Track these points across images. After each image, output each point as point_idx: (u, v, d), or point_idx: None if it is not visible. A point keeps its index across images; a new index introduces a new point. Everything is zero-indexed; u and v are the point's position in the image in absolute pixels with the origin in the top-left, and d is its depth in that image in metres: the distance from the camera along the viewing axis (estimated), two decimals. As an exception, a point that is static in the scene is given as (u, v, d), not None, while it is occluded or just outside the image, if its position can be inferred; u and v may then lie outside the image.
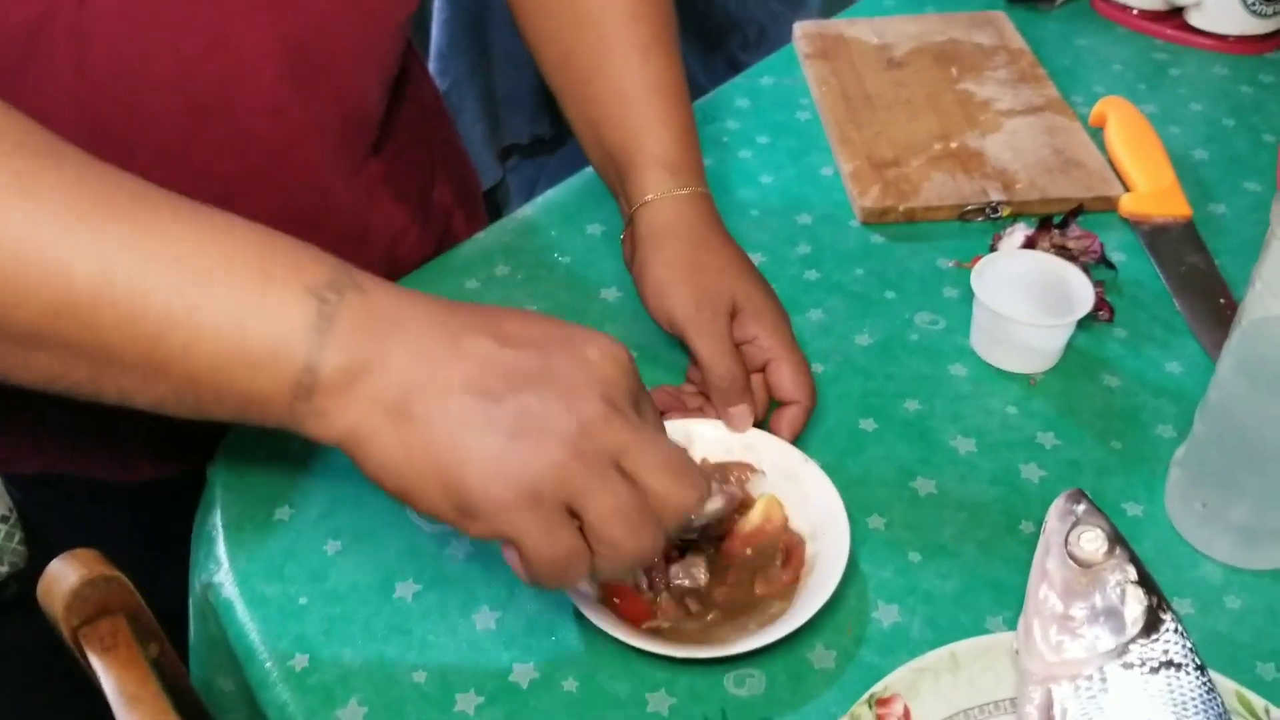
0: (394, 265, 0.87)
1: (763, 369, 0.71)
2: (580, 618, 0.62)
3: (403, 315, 0.50)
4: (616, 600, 0.62)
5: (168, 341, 0.48)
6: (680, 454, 0.53)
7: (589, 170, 0.96)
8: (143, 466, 0.83)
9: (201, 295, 0.47)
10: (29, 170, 0.47)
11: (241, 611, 0.65)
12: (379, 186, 0.83)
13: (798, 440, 0.70)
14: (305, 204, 0.77)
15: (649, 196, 0.73)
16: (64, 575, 0.62)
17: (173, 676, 0.68)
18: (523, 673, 0.61)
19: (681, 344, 0.71)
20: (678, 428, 0.69)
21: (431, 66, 1.62)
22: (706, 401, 0.71)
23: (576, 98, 0.78)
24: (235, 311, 0.48)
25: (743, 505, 0.66)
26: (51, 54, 0.63)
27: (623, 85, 0.76)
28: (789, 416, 0.70)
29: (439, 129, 0.94)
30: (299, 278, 0.49)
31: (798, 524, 0.66)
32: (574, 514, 0.50)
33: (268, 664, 0.62)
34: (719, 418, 0.70)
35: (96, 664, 0.61)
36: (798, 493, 0.67)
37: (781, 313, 0.72)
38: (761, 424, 0.71)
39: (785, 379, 0.70)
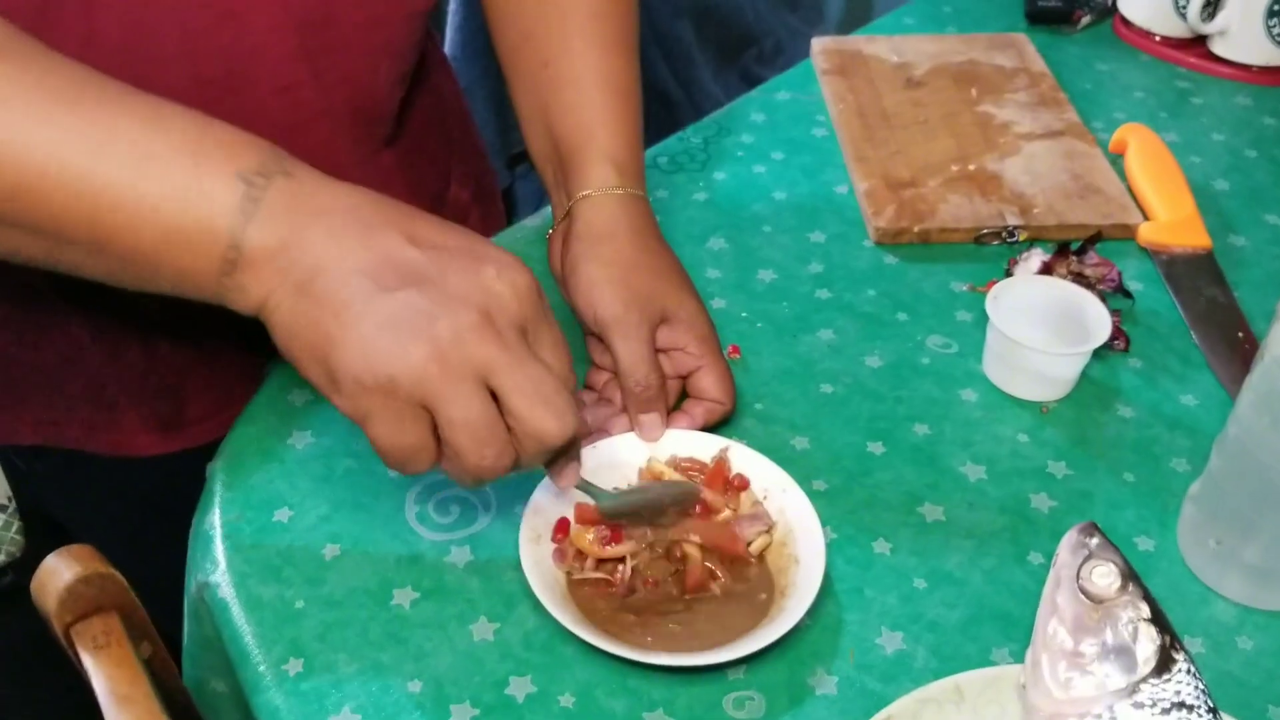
0: None
1: (687, 376, 0.71)
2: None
3: (328, 203, 0.54)
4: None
5: (110, 220, 0.52)
6: (552, 383, 0.54)
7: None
8: (142, 442, 0.82)
9: (140, 179, 0.52)
10: None
11: (237, 613, 0.64)
12: (392, 178, 0.83)
13: (813, 457, 0.69)
14: None
15: (589, 191, 0.73)
16: (58, 571, 0.61)
17: (165, 677, 0.67)
18: (519, 686, 0.60)
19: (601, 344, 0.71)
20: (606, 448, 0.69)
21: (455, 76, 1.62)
22: (612, 413, 0.71)
23: (530, 81, 0.78)
24: (170, 193, 0.52)
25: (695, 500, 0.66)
26: (59, 25, 0.63)
27: (580, 75, 0.76)
28: (706, 408, 0.71)
29: (457, 126, 0.94)
30: (231, 163, 0.53)
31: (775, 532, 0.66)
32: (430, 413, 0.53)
33: (261, 667, 0.61)
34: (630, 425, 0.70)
35: (88, 662, 0.60)
36: (760, 491, 0.67)
37: (710, 323, 0.72)
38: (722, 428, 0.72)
39: (709, 384, 0.70)
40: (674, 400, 0.72)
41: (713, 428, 0.71)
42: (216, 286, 0.54)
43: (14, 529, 1.40)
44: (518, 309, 0.54)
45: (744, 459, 0.68)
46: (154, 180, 0.52)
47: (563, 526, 0.65)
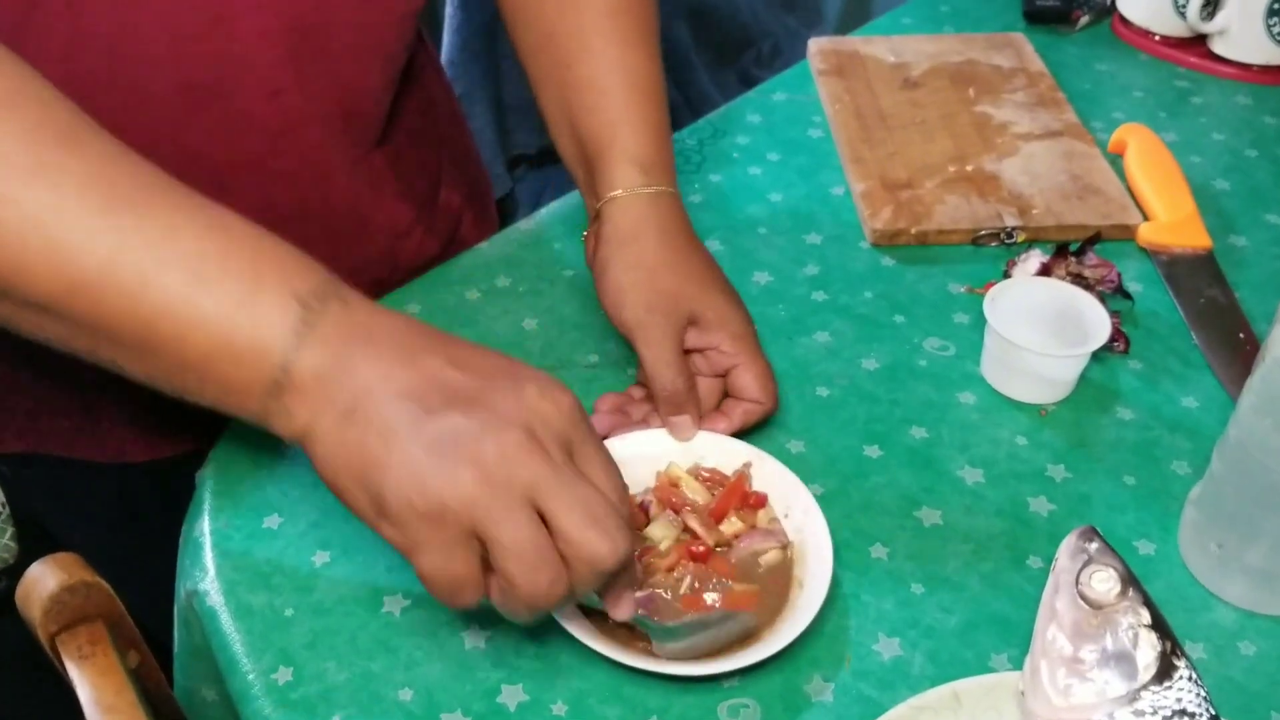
0: (395, 263, 0.86)
1: (727, 374, 0.70)
2: (570, 637, 0.60)
3: (374, 329, 0.53)
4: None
5: (162, 327, 0.51)
6: (603, 503, 0.52)
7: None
8: (130, 449, 0.82)
9: (197, 289, 0.51)
10: (53, 156, 0.51)
11: (226, 621, 0.63)
12: (381, 181, 0.82)
13: (809, 461, 0.68)
14: (302, 193, 0.76)
15: (616, 192, 0.72)
16: (43, 580, 0.60)
17: (152, 686, 0.66)
18: (511, 694, 0.59)
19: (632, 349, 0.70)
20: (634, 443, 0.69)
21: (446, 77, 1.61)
22: (654, 409, 0.70)
23: (553, 83, 0.77)
24: (226, 308, 0.51)
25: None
26: (45, 30, 0.62)
27: (600, 75, 0.75)
28: (744, 409, 0.70)
29: (450, 129, 0.93)
30: (288, 283, 0.52)
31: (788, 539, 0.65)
32: (481, 542, 0.51)
33: (250, 676, 0.60)
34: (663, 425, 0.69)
35: (73, 672, 0.60)
36: (781, 509, 0.66)
37: (746, 319, 0.71)
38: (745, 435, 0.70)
39: (749, 383, 0.69)
40: (717, 400, 0.71)
41: (755, 428, 0.71)
42: (259, 407, 0.53)
43: (7, 535, 1.39)
44: (562, 427, 0.53)
45: (771, 474, 0.67)
46: (212, 292, 0.51)
47: None
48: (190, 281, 0.51)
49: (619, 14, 0.76)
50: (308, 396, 0.52)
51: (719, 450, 0.68)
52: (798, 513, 0.65)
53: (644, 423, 0.70)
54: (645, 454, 0.68)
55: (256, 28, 0.68)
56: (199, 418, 0.81)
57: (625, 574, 0.56)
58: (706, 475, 0.68)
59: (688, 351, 0.70)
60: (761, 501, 0.66)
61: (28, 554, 1.24)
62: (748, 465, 0.68)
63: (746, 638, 0.61)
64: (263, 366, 0.51)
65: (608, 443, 0.68)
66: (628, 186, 0.72)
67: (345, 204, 0.80)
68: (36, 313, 0.52)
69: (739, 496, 0.66)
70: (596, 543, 0.51)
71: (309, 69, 0.71)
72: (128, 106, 0.66)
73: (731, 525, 0.65)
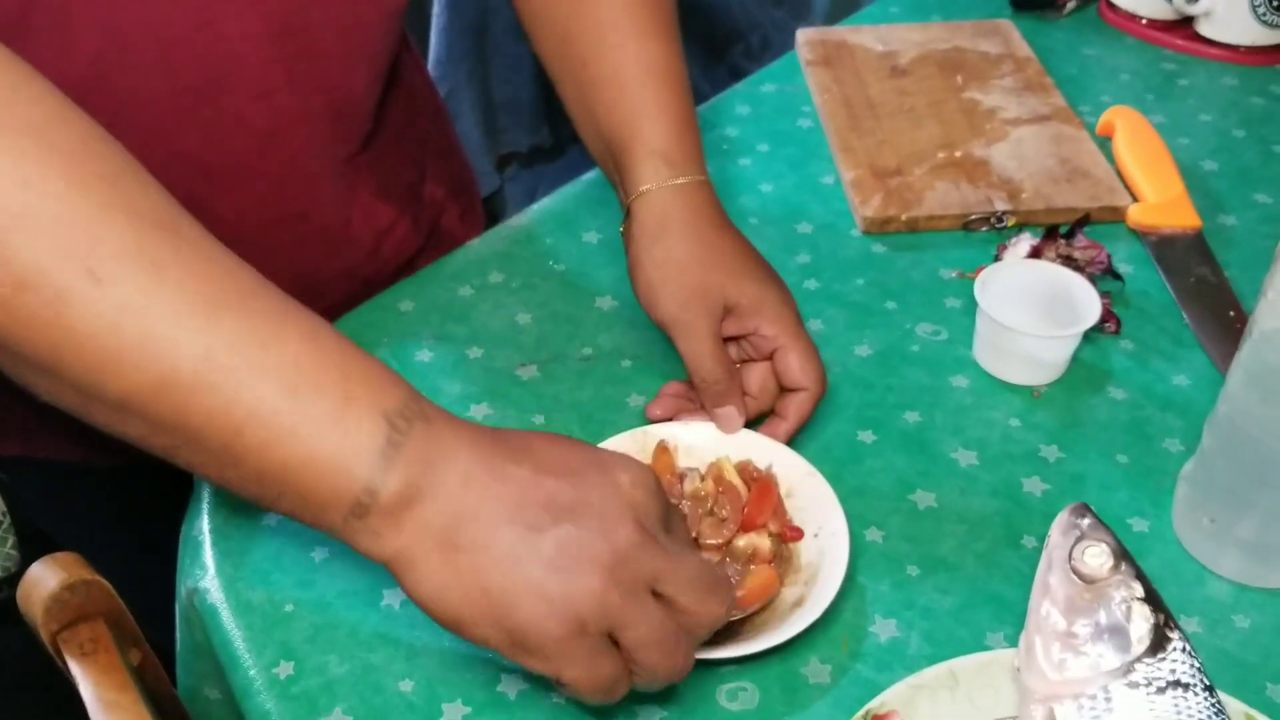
0: (379, 261, 0.86)
1: (770, 357, 0.70)
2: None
3: (456, 444, 0.52)
4: None
5: (248, 436, 0.49)
6: (708, 568, 0.54)
7: (586, 178, 0.95)
8: (128, 450, 0.82)
9: (287, 401, 0.49)
10: (155, 242, 0.48)
11: (227, 618, 0.63)
12: (365, 181, 0.82)
13: (803, 448, 0.69)
14: (289, 193, 0.77)
15: (645, 187, 0.72)
16: (44, 579, 0.60)
17: (155, 684, 0.67)
18: (511, 683, 0.60)
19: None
20: (683, 431, 0.69)
21: (429, 74, 1.62)
22: None
23: (574, 83, 0.77)
24: (315, 422, 0.49)
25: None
26: (35, 36, 0.62)
27: (619, 70, 0.74)
28: (796, 403, 0.70)
29: (433, 126, 0.93)
30: (377, 401, 0.51)
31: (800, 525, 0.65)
32: (613, 638, 0.52)
33: (252, 671, 0.61)
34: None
35: (75, 669, 0.60)
36: (799, 503, 0.66)
37: (785, 300, 0.71)
38: (760, 419, 0.71)
39: (793, 366, 0.69)
40: (768, 385, 0.70)
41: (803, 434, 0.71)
42: (341, 524, 0.51)
43: (9, 544, 1.40)
44: (657, 508, 0.53)
45: (816, 493, 0.66)
46: (304, 405, 0.49)
47: None
48: (284, 392, 0.49)
49: (634, 7, 0.75)
50: (396, 519, 0.50)
51: (779, 460, 0.68)
52: (826, 535, 0.64)
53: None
54: (700, 444, 0.69)
55: (243, 29, 0.68)
56: None
57: None
58: (756, 476, 0.67)
59: (729, 340, 0.70)
60: (797, 536, 0.65)
61: (30, 562, 1.24)
62: (769, 467, 0.67)
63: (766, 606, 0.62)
64: (347, 485, 0.50)
65: (674, 426, 0.70)
66: (654, 180, 0.72)
67: (331, 205, 0.80)
68: (114, 411, 0.50)
69: (770, 506, 0.66)
70: (716, 609, 0.53)
71: (296, 70, 0.72)
72: (118, 110, 0.66)
73: (749, 543, 0.64)
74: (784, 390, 0.70)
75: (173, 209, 0.50)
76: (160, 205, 0.50)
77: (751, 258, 0.72)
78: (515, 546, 0.50)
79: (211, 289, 0.49)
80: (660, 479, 0.64)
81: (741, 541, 0.64)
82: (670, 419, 0.71)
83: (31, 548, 1.08)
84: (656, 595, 0.52)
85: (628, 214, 0.73)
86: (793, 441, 0.70)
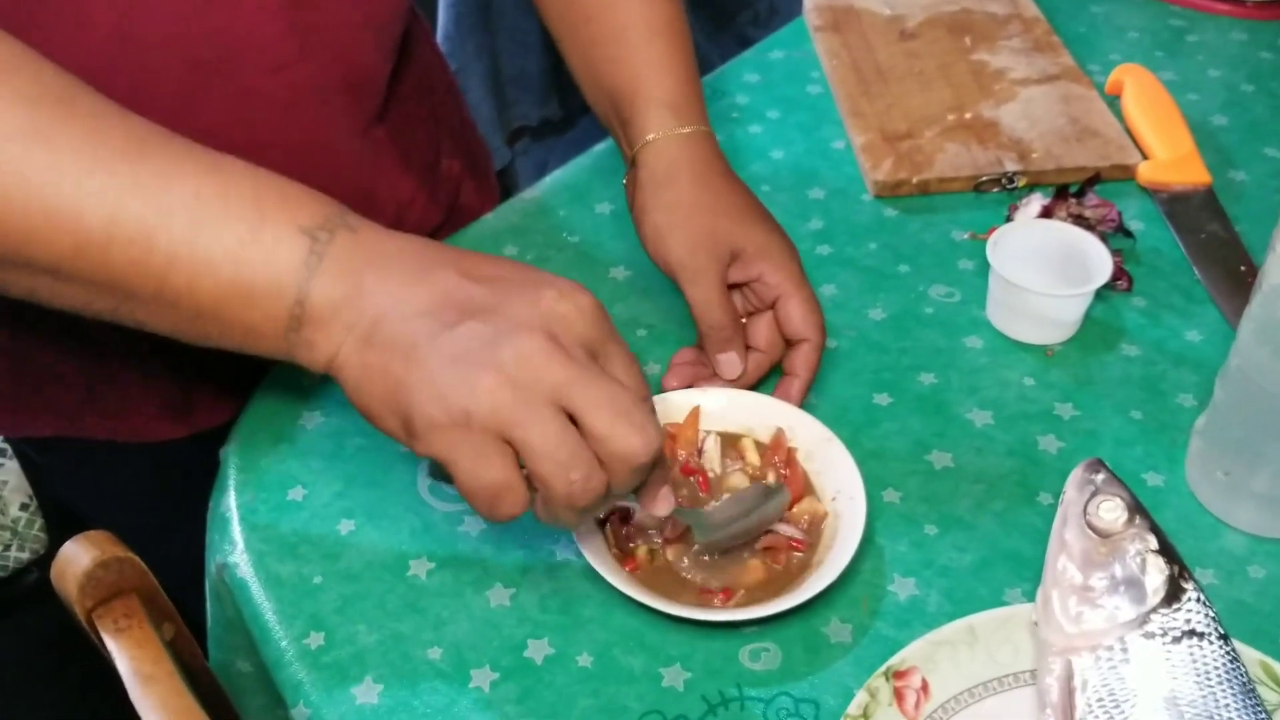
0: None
1: (774, 306, 0.71)
2: (594, 581, 0.62)
3: (384, 251, 0.53)
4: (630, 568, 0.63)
5: (174, 278, 0.51)
6: (629, 398, 0.51)
7: (597, 150, 0.95)
8: (154, 428, 0.83)
9: (202, 235, 0.51)
10: (48, 119, 0.51)
11: (257, 591, 0.64)
12: (384, 153, 0.83)
13: (819, 412, 0.70)
14: (310, 166, 0.77)
15: (650, 136, 0.73)
16: (77, 557, 0.62)
17: (188, 657, 0.68)
18: (537, 648, 0.61)
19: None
20: (702, 398, 0.70)
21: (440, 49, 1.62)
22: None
23: (578, 40, 0.78)
24: (233, 249, 0.51)
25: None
26: (50, 12, 0.63)
27: (623, 25, 0.75)
28: (803, 356, 0.70)
29: (446, 100, 0.94)
30: (292, 217, 0.52)
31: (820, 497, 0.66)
32: (514, 449, 0.51)
33: (283, 643, 0.62)
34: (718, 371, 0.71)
35: (111, 644, 0.61)
36: (819, 467, 0.67)
37: (789, 249, 0.72)
38: (769, 379, 0.72)
39: (794, 315, 0.70)
40: (773, 338, 0.71)
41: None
42: (283, 343, 0.53)
43: (37, 526, 1.42)
44: (584, 329, 0.52)
45: (836, 458, 0.66)
46: (217, 235, 0.51)
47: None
48: (193, 226, 0.51)
49: None
50: (326, 326, 0.52)
51: (797, 424, 0.68)
52: (844, 499, 0.65)
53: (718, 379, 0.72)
54: (726, 413, 0.69)
55: (257, 2, 0.69)
56: (221, 394, 0.83)
57: (659, 470, 0.55)
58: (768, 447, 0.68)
59: (734, 287, 0.71)
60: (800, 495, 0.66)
61: (58, 544, 1.26)
62: (780, 431, 0.68)
63: (781, 512, 0.63)
64: (278, 303, 0.52)
65: (693, 392, 0.70)
66: (660, 129, 0.73)
67: (352, 178, 0.81)
68: (51, 278, 0.52)
69: (799, 478, 0.67)
70: (628, 436, 0.51)
71: (309, 41, 0.72)
72: (136, 87, 0.67)
73: (806, 507, 0.65)
74: (788, 346, 0.71)
75: (68, 84, 0.52)
76: (53, 84, 0.52)
77: (757, 206, 0.73)
78: (421, 341, 0.51)
79: (108, 146, 0.51)
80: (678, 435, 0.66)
81: (795, 509, 0.65)
82: (686, 387, 0.72)
83: (62, 533, 1.09)
84: (564, 414, 0.51)
85: (632, 164, 0.74)
86: (809, 406, 0.71)
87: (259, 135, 0.73)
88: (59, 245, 0.51)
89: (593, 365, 0.52)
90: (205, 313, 0.52)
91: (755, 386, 0.72)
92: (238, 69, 0.70)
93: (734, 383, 0.72)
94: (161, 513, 0.87)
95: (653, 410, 0.54)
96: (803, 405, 0.70)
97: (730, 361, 0.70)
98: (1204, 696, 0.51)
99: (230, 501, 0.69)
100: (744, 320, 0.72)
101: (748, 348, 0.72)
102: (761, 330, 0.72)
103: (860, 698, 0.56)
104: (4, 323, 0.78)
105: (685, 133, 0.73)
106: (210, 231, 0.51)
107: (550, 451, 0.50)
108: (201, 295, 0.52)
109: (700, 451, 0.68)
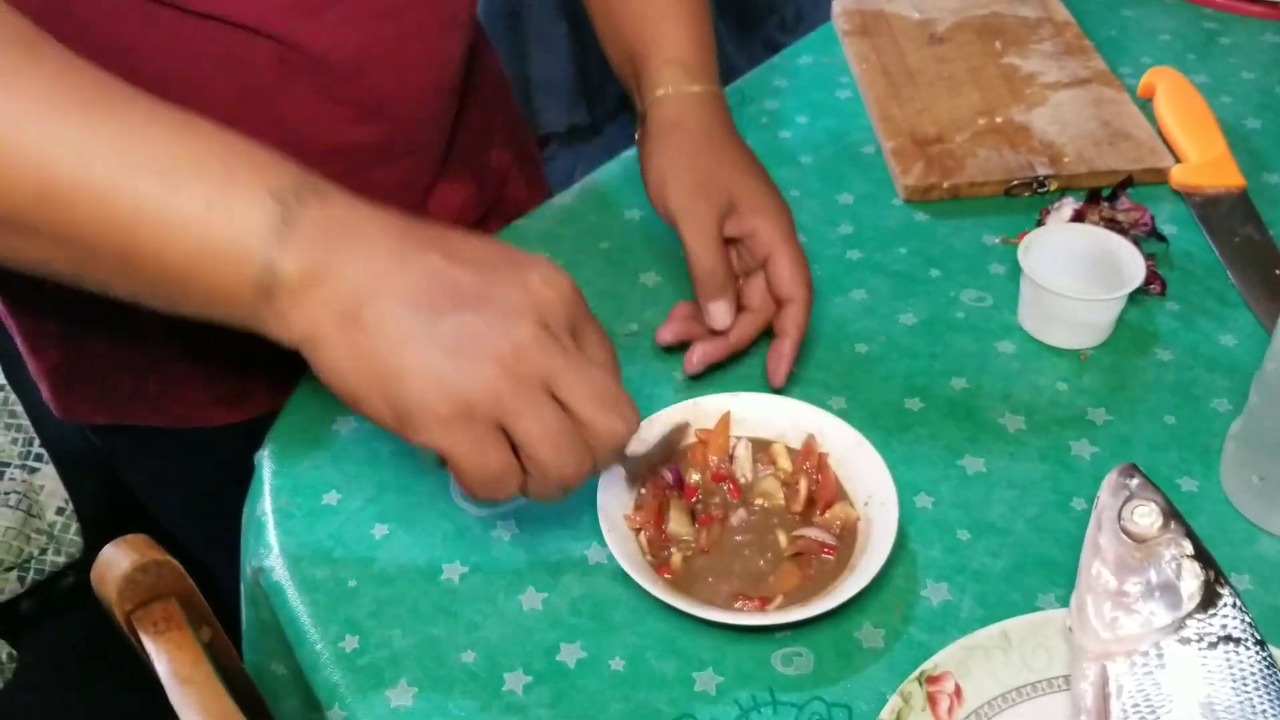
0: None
1: (765, 265, 0.72)
2: (626, 585, 0.62)
3: (360, 225, 0.52)
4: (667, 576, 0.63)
5: (139, 235, 0.50)
6: (613, 386, 0.55)
7: (627, 155, 0.95)
8: (211, 413, 0.84)
9: (170, 192, 0.50)
10: (13, 65, 0.50)
11: (292, 595, 0.65)
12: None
13: (851, 417, 0.70)
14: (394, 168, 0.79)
15: (661, 91, 0.76)
16: (116, 561, 0.63)
17: (225, 660, 0.69)
18: (570, 652, 0.61)
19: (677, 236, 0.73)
20: (734, 403, 0.70)
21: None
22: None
23: (601, 4, 0.81)
24: (201, 209, 0.50)
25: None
26: (151, 18, 0.64)
27: None
28: (791, 315, 0.72)
29: (494, 90, 0.95)
30: (262, 180, 0.51)
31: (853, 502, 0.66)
32: (508, 434, 0.53)
33: (318, 646, 0.63)
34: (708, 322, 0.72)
35: (150, 647, 0.62)
36: (850, 473, 0.67)
37: (783, 208, 0.73)
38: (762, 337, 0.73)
39: (783, 272, 0.71)
40: (765, 299, 0.73)
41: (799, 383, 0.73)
42: (251, 311, 0.52)
43: (73, 530, 1.43)
44: (567, 313, 0.54)
45: (866, 461, 0.67)
46: (185, 193, 0.50)
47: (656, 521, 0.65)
48: (162, 183, 0.49)
49: None
50: (299, 299, 0.51)
51: (828, 429, 0.68)
52: (876, 504, 0.65)
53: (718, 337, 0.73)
54: (758, 419, 0.70)
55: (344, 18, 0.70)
56: (276, 379, 0.84)
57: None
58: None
59: (729, 241, 0.72)
60: (831, 499, 0.66)
61: (93, 548, 1.28)
62: (812, 437, 0.68)
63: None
64: (245, 269, 0.50)
65: (725, 397, 0.70)
66: (672, 85, 0.75)
67: (426, 180, 0.82)
68: (9, 233, 0.51)
69: (832, 483, 0.67)
70: (616, 422, 0.54)
71: (398, 45, 0.73)
72: (229, 77, 0.68)
73: (839, 512, 0.65)
74: (778, 306, 0.72)
75: (34, 33, 0.51)
76: (20, 31, 0.51)
77: (756, 164, 0.75)
78: (412, 328, 0.51)
79: (80, 96, 0.50)
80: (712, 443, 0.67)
81: (827, 514, 0.65)
82: (683, 339, 0.73)
83: (98, 537, 1.11)
84: (555, 400, 0.53)
85: (643, 119, 0.76)
86: (841, 411, 0.71)
87: (341, 138, 0.75)
88: (22, 192, 0.49)
89: (578, 351, 0.54)
90: (170, 273, 0.51)
91: (748, 349, 0.74)
92: (322, 68, 0.71)
93: (723, 338, 0.73)
94: (219, 500, 0.88)
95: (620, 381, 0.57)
96: (834, 410, 0.70)
97: (720, 310, 0.71)
98: (1240, 702, 0.51)
99: (265, 506, 0.70)
100: (740, 281, 0.74)
101: (741, 308, 0.73)
102: (755, 291, 0.73)
103: (893, 702, 0.55)
104: (58, 313, 0.79)
105: (695, 91, 0.76)
106: (179, 190, 0.50)
107: (548, 440, 0.52)
108: (166, 256, 0.50)
109: (731, 458, 0.68)
